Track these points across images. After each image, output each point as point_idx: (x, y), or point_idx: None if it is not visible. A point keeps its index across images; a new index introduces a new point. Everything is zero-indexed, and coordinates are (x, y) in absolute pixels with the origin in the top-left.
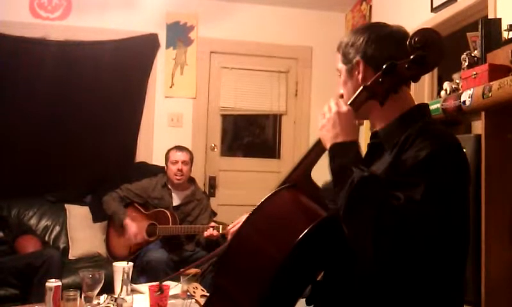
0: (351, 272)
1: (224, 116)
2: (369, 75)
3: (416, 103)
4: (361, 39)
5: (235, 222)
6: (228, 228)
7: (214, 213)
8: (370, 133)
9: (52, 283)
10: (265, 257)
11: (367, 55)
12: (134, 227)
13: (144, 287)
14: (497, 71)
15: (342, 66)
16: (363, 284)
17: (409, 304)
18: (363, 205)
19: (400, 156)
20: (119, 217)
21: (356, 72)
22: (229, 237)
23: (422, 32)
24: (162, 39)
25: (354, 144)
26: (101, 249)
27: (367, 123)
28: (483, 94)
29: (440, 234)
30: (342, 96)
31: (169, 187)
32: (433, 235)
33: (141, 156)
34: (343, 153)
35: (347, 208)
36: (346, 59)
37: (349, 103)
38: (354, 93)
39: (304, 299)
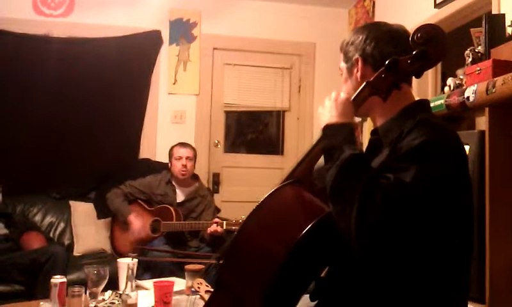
0: (355, 268)
1: (227, 113)
2: (368, 73)
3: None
4: (360, 37)
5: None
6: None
7: (218, 210)
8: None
9: (57, 279)
10: (269, 253)
11: (366, 53)
12: (138, 223)
13: (148, 283)
14: (501, 67)
15: (343, 65)
16: (366, 280)
17: (412, 300)
18: (351, 182)
19: (396, 146)
20: (122, 214)
21: (355, 70)
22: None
23: (425, 28)
24: (165, 36)
25: (347, 125)
26: (106, 246)
27: (370, 121)
28: (487, 90)
29: (432, 223)
30: None
31: (173, 183)
32: (423, 222)
33: (144, 153)
34: (335, 133)
35: (335, 184)
36: (346, 58)
37: (352, 99)
38: (354, 90)
39: (308, 295)
